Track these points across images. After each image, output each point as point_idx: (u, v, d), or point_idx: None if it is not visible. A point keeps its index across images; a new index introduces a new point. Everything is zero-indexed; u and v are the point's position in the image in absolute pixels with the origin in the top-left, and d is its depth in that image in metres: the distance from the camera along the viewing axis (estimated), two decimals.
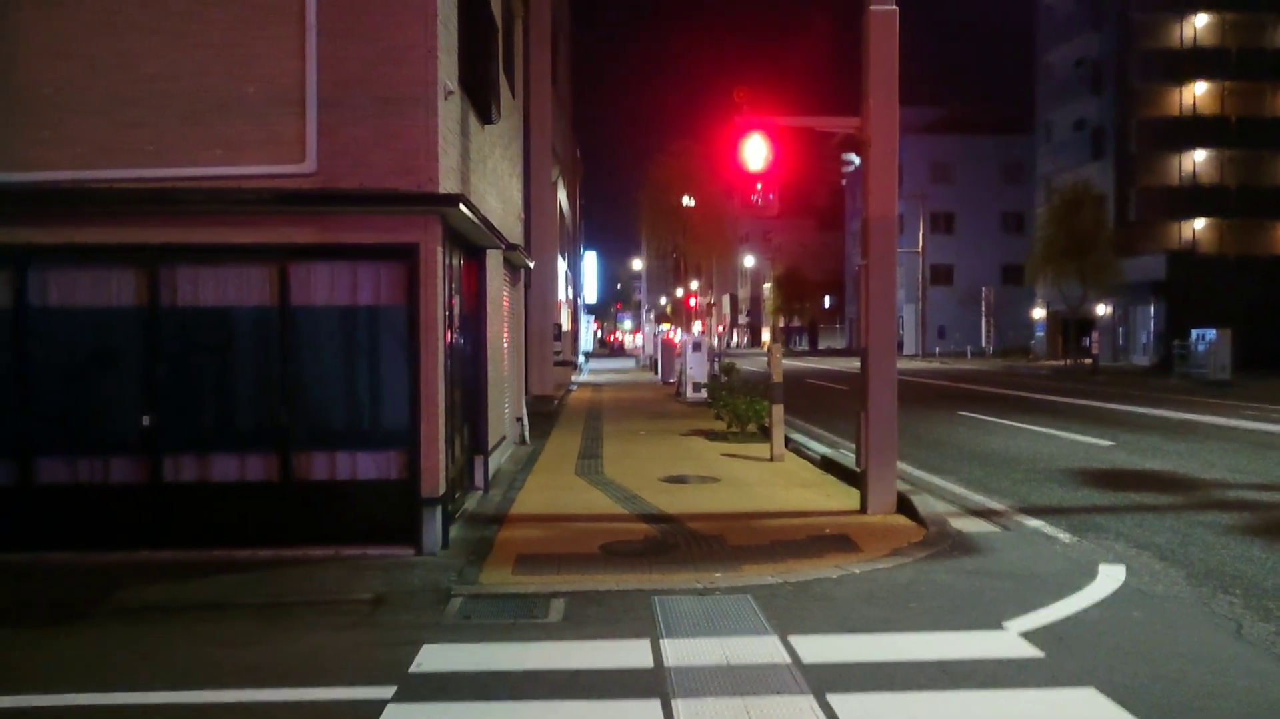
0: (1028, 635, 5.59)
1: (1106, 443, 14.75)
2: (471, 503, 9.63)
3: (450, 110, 8.13)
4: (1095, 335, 40.55)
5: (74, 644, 5.70)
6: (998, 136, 65.12)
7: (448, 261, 8.22)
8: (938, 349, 58.95)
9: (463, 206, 7.62)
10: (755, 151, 9.11)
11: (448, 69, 7.99)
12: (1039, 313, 53.53)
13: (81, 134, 7.47)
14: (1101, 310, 44.99)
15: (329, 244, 7.57)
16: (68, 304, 7.63)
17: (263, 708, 4.67)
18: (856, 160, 64.76)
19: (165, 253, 7.56)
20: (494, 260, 11.30)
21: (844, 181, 79.55)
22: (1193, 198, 47.48)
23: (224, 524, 7.62)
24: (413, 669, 5.15)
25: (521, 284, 16.46)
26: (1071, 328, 44.42)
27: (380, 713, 4.56)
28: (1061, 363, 44.55)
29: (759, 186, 9.25)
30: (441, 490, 7.68)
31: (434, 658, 5.33)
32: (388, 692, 4.82)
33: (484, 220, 8.64)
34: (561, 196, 28.50)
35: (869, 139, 8.93)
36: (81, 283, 7.64)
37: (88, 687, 4.96)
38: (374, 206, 7.48)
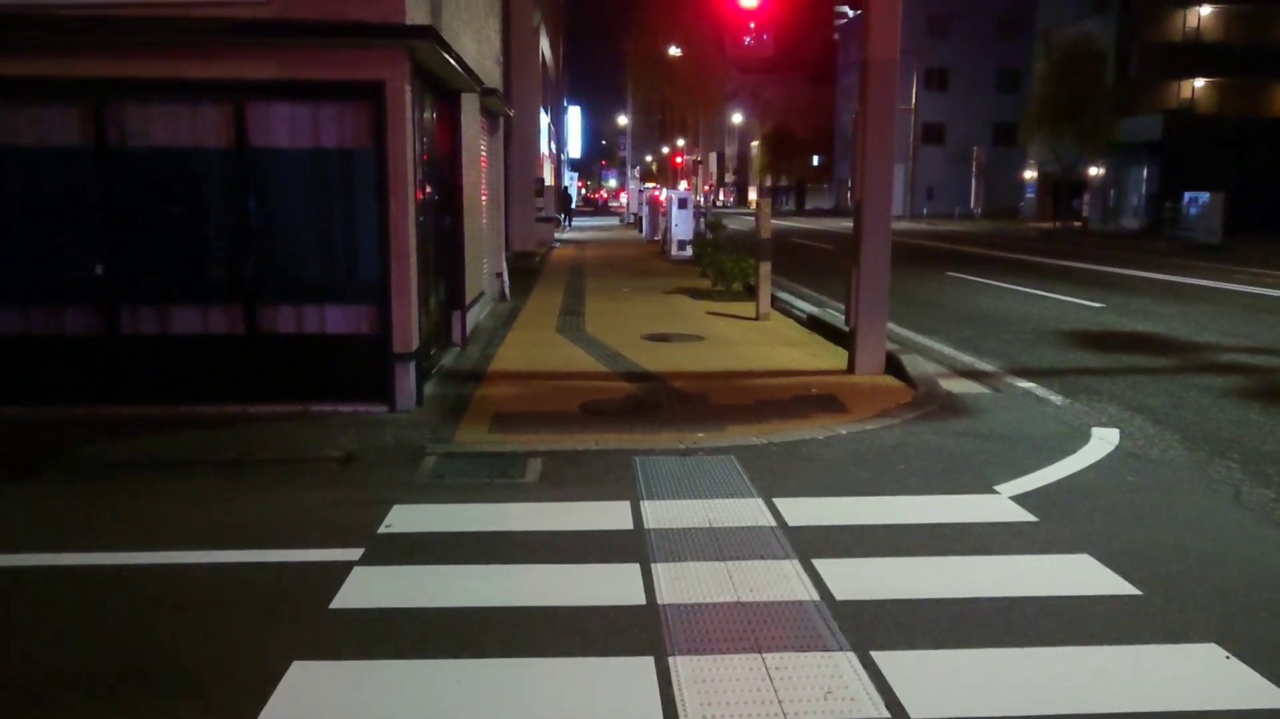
0: (1020, 499, 5.41)
1: (1097, 305, 14.52)
2: (448, 359, 9.33)
3: None
4: (1086, 197, 40.02)
5: (33, 501, 5.45)
6: None
7: (418, 103, 7.68)
8: (925, 210, 58.25)
9: (432, 41, 7.03)
10: None
11: None
12: (1030, 174, 52.69)
13: None
14: (1093, 172, 44.29)
15: (289, 80, 7.00)
16: (8, 143, 7.08)
17: (227, 569, 4.45)
18: (851, 13, 62.33)
19: (112, 88, 6.98)
20: (470, 105, 10.69)
21: (836, 35, 77.05)
22: (1195, 55, 46.03)
23: (188, 379, 7.31)
24: (382, 530, 4.93)
25: (501, 134, 15.78)
26: (1062, 190, 43.82)
27: (346, 576, 4.34)
28: (1050, 225, 44.09)
29: (752, 26, 8.64)
30: (415, 345, 7.37)
31: (405, 518, 5.11)
32: (355, 553, 4.60)
33: (456, 58, 8.04)
34: (544, 45, 27.30)
35: None
36: (22, 121, 7.06)
37: (46, 546, 4.72)
38: (336, 39, 6.89)
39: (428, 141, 8.41)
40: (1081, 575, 4.38)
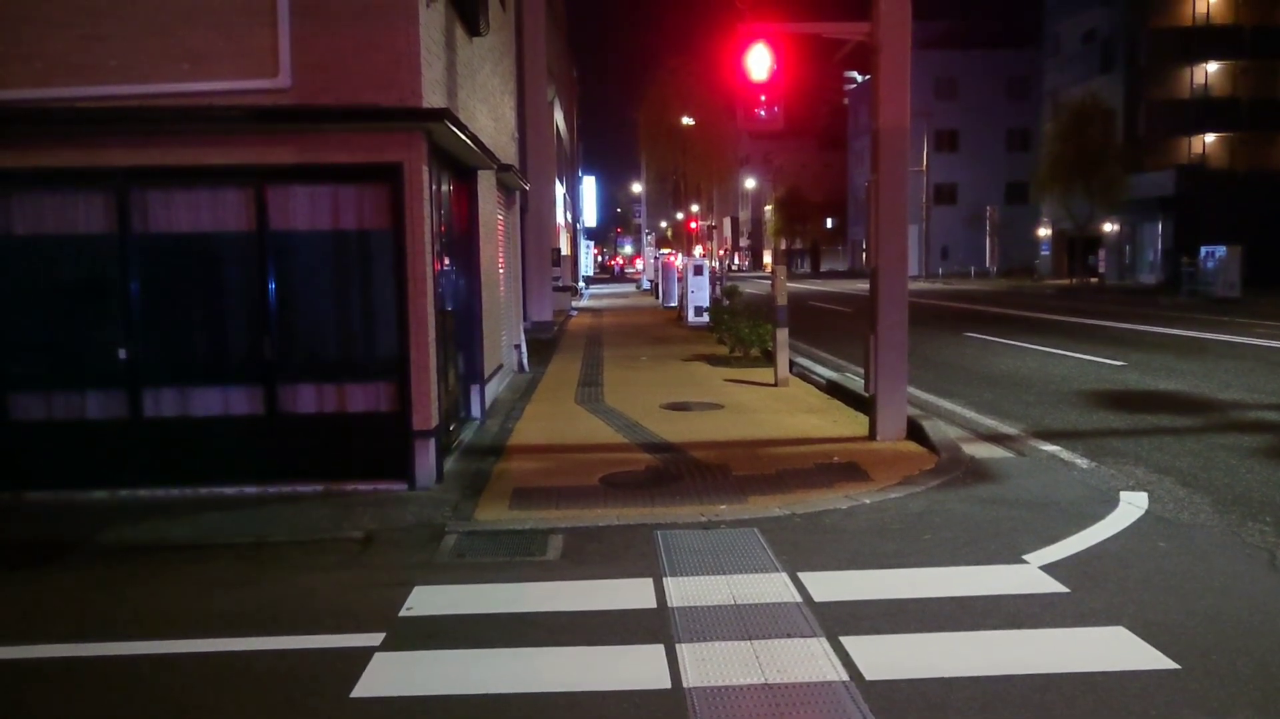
0: (1049, 569, 5.31)
1: (1118, 363, 14.42)
2: (468, 434, 9.33)
3: (433, 19, 7.62)
4: (1102, 253, 39.97)
5: (51, 589, 5.43)
6: (1003, 50, 63.61)
7: (435, 182, 7.79)
8: (941, 270, 58.35)
9: (448, 122, 7.15)
10: (759, 61, 8.59)
11: None
12: (1044, 231, 52.81)
13: (40, 48, 6.98)
14: (1108, 228, 44.33)
15: (308, 164, 7.12)
16: (35, 232, 7.22)
17: (243, 658, 4.40)
18: (860, 78, 63.08)
19: (134, 176, 7.13)
20: (486, 181, 10.84)
21: (846, 100, 78.00)
22: (1203, 111, 46.33)
23: (209, 460, 7.32)
24: (403, 613, 4.88)
25: (517, 207, 15.97)
26: (1077, 246, 43.83)
27: (367, 663, 4.29)
28: (1067, 282, 44.03)
29: (763, 99, 8.75)
30: (434, 422, 7.37)
31: (425, 601, 5.06)
32: (376, 639, 4.55)
33: (473, 137, 8.17)
34: (558, 118, 27.77)
35: (879, 44, 8.40)
36: (48, 210, 7.21)
37: (62, 636, 4.69)
38: (353, 123, 7.02)
39: (445, 217, 8.51)
40: (1117, 649, 4.27)
